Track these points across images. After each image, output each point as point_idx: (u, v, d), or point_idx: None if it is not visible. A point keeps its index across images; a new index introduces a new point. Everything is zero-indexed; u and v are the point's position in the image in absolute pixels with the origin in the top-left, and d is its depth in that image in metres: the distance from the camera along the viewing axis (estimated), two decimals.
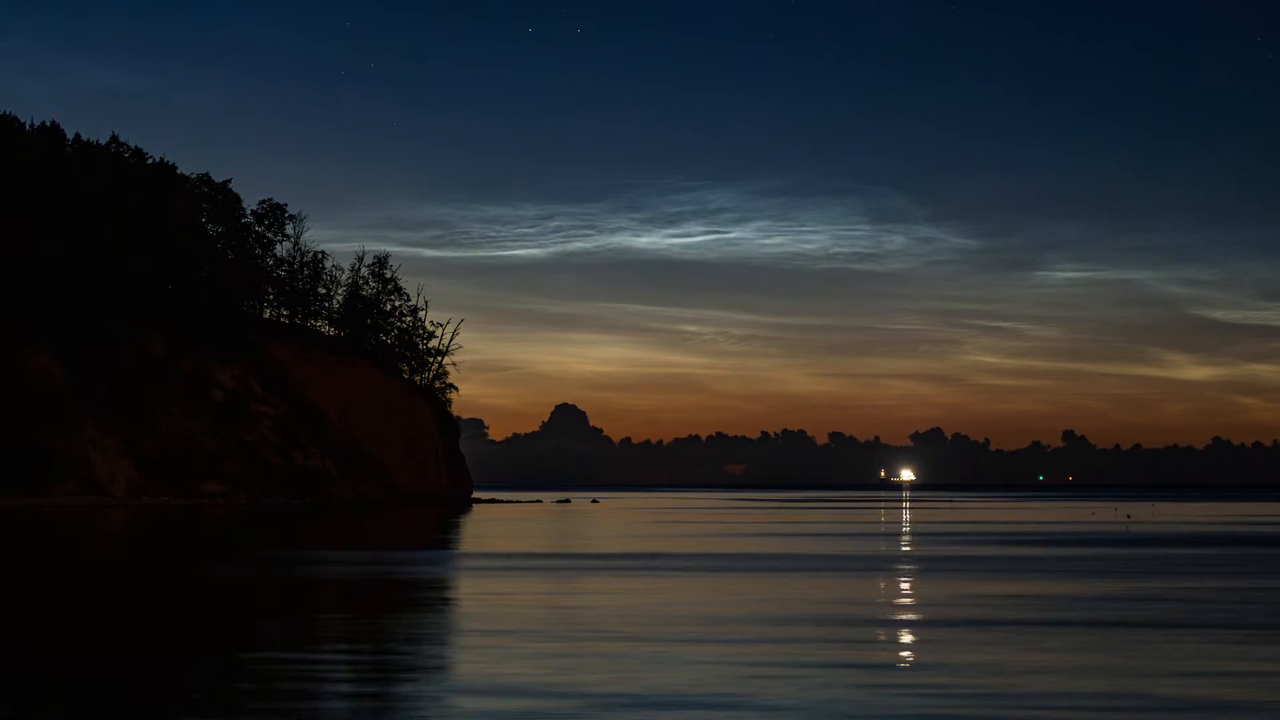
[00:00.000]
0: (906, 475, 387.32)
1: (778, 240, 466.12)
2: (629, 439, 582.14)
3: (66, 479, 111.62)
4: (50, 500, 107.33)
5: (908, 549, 52.45)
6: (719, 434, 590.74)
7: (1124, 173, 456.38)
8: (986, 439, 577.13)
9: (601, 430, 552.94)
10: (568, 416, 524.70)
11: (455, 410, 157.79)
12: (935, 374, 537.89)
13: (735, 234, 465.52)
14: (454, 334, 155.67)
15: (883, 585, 34.89)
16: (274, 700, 16.24)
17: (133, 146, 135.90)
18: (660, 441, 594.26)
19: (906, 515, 65.76)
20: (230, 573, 37.82)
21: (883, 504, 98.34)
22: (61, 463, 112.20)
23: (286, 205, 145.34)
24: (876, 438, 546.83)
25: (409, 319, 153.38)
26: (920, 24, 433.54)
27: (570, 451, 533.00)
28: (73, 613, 26.68)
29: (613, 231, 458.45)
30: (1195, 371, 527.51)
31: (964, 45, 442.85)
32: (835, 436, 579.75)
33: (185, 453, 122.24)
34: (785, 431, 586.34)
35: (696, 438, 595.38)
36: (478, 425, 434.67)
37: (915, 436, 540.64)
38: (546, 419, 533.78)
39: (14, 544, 53.21)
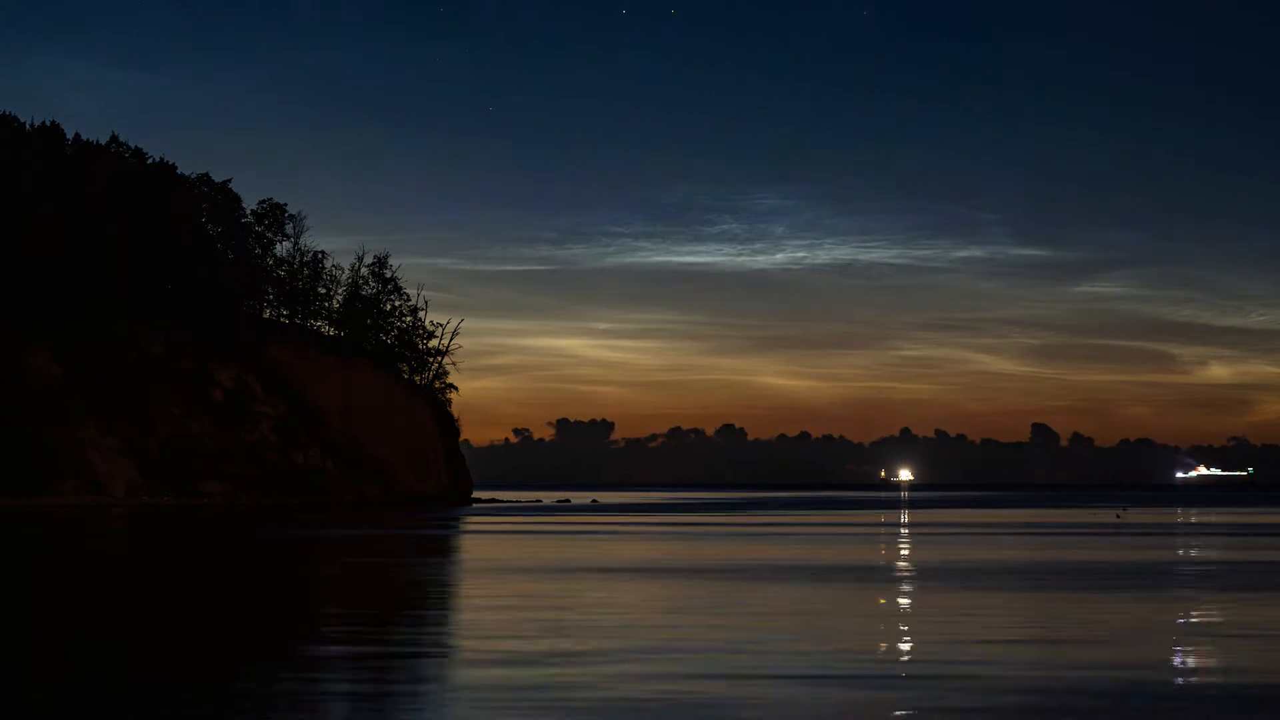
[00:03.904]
0: (905, 475, 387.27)
1: (788, 248, 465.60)
2: (638, 439, 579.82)
3: (66, 479, 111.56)
4: (50, 500, 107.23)
5: None
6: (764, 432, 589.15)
7: (1144, 184, 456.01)
8: (985, 439, 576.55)
9: (612, 431, 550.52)
10: (577, 415, 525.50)
11: (456, 408, 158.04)
12: (936, 375, 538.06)
13: (760, 243, 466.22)
14: (454, 334, 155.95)
15: None
16: None
17: (133, 146, 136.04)
18: (660, 439, 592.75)
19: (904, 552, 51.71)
20: None
21: (882, 525, 79.55)
22: (61, 462, 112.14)
23: (286, 205, 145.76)
24: (879, 438, 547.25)
25: (409, 319, 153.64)
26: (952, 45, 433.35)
27: (582, 451, 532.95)
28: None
29: (623, 238, 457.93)
30: (1216, 373, 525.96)
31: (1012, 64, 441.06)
32: (834, 436, 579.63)
33: (185, 453, 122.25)
34: (784, 433, 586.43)
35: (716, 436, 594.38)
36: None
37: (915, 436, 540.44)
38: (555, 419, 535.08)
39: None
